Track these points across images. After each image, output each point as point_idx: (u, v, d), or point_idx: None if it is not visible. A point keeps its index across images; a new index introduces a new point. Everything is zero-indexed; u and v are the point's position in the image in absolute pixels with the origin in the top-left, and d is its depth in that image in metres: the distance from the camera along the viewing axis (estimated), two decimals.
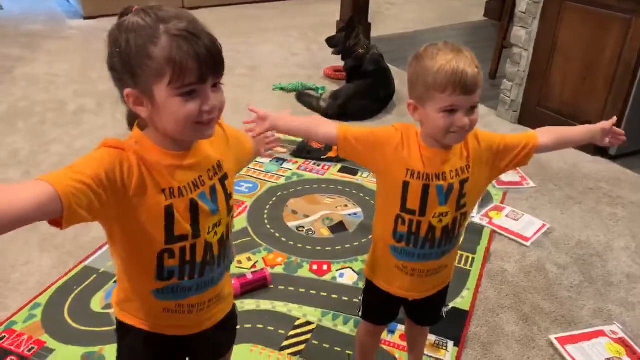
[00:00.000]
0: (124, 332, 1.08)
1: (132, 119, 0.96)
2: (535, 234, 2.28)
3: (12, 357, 1.63)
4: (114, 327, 1.73)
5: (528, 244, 2.23)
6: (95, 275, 1.96)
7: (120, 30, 0.86)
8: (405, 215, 1.18)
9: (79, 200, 0.80)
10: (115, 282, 1.93)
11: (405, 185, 1.15)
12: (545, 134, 1.25)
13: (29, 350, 1.66)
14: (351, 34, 3.50)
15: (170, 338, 1.06)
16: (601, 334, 1.80)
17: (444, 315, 1.46)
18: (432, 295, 1.33)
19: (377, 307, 1.40)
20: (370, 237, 1.34)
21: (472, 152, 1.18)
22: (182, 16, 0.86)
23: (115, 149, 0.88)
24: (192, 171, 0.95)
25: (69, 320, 1.77)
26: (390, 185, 1.18)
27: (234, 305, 1.17)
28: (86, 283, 1.92)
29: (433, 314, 1.44)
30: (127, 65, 0.85)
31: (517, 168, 2.76)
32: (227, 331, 1.18)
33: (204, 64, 0.84)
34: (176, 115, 0.86)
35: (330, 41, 3.71)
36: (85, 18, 4.85)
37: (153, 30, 0.83)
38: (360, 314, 1.44)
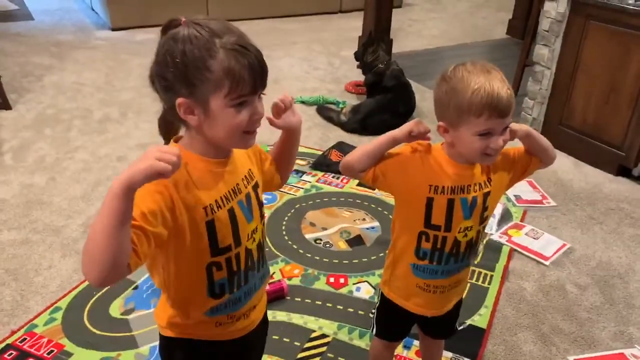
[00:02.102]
0: (172, 346, 1.07)
1: (166, 127, 0.98)
2: (555, 253, 2.25)
3: None
4: (132, 332, 1.78)
5: (547, 263, 2.20)
6: None
7: (176, 41, 0.87)
8: (430, 231, 1.18)
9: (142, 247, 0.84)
10: (134, 288, 1.95)
11: (429, 201, 1.15)
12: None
13: (49, 353, 1.68)
14: (368, 49, 3.53)
15: (216, 343, 1.07)
16: (622, 357, 1.77)
17: (457, 328, 1.45)
18: (448, 310, 1.33)
19: (392, 324, 1.39)
20: (388, 251, 1.34)
21: (493, 165, 1.18)
22: (232, 30, 0.89)
23: (153, 187, 0.85)
24: (230, 179, 0.98)
25: (88, 325, 1.80)
26: (413, 203, 1.17)
27: (266, 306, 1.20)
28: (106, 288, 1.95)
29: (448, 328, 1.43)
30: (182, 75, 0.87)
31: (538, 186, 2.74)
32: (261, 333, 1.20)
33: (257, 76, 0.89)
34: (229, 124, 0.90)
35: (355, 55, 3.75)
36: (113, 29, 4.96)
37: (210, 43, 0.86)
38: (373, 331, 1.43)
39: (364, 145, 1.22)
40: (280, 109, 1.07)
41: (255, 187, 1.04)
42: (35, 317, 1.82)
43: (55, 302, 1.88)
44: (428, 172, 1.15)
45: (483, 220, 1.20)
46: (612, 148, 2.90)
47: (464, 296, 1.39)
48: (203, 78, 0.87)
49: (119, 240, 0.77)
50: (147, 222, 0.83)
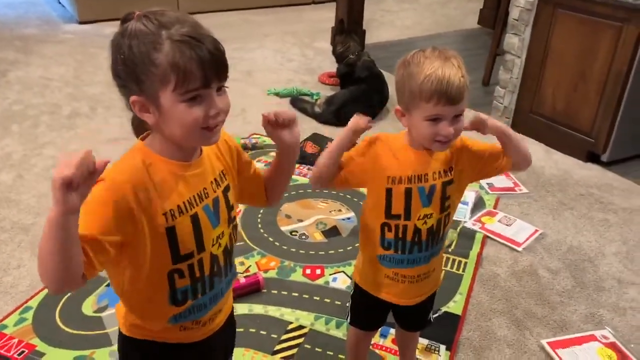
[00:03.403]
0: (133, 346, 1.03)
1: (139, 126, 0.95)
2: (528, 239, 2.29)
3: None
4: (105, 330, 1.75)
5: (520, 249, 2.23)
6: None
7: (124, 36, 0.85)
8: (391, 221, 1.19)
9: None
10: (107, 285, 1.92)
11: (389, 192, 1.17)
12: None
13: (19, 354, 1.64)
14: (337, 38, 3.54)
15: (179, 345, 1.03)
16: (592, 338, 1.81)
17: (431, 319, 1.47)
18: (421, 301, 1.34)
19: (366, 312, 1.40)
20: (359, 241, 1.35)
21: (457, 156, 1.19)
22: (185, 20, 0.85)
23: (112, 194, 0.84)
24: (196, 183, 0.94)
25: (60, 324, 1.76)
26: (374, 196, 1.20)
27: (232, 307, 1.17)
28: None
29: (421, 320, 1.45)
30: (131, 72, 0.85)
31: (510, 174, 2.78)
32: (227, 333, 1.15)
33: (208, 69, 0.84)
34: (182, 121, 0.85)
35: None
36: (80, 23, 4.85)
37: (155, 36, 0.83)
38: (348, 319, 1.44)
39: (320, 157, 1.23)
40: (269, 121, 1.00)
41: (225, 191, 1.00)
42: (5, 317, 1.78)
43: (26, 302, 1.84)
44: (385, 164, 1.17)
45: (445, 208, 1.20)
46: (582, 135, 2.96)
47: (437, 289, 1.40)
48: (149, 73, 0.83)
49: (67, 257, 0.76)
50: (101, 233, 0.82)
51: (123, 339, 1.04)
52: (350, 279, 2.02)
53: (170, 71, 0.82)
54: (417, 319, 1.44)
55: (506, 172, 2.76)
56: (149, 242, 0.89)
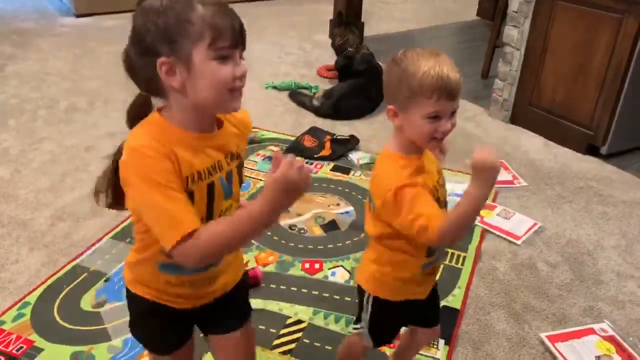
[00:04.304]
0: (132, 299, 1.12)
1: (135, 114, 0.98)
2: (527, 232, 2.29)
3: (1, 357, 1.62)
4: (104, 325, 1.75)
5: (519, 242, 2.23)
6: (85, 274, 1.95)
7: (154, 5, 0.89)
8: None
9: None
10: (105, 280, 1.92)
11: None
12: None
13: (18, 350, 1.64)
14: (335, 30, 3.52)
15: (173, 309, 1.09)
16: (591, 331, 1.81)
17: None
18: (433, 289, 1.34)
19: (393, 325, 1.35)
20: (362, 235, 1.33)
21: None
22: None
23: (154, 153, 0.90)
24: (213, 154, 0.98)
25: (59, 319, 1.76)
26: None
27: (243, 278, 1.20)
28: (76, 282, 1.91)
29: (438, 307, 1.44)
30: (163, 33, 0.89)
31: (509, 167, 2.77)
32: (232, 304, 1.17)
33: (237, 31, 0.91)
34: (214, 79, 0.90)
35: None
36: (77, 16, 4.81)
37: (187, 1, 0.89)
38: (372, 344, 1.33)
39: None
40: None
41: (239, 166, 1.05)
42: (3, 313, 1.77)
43: (24, 297, 1.84)
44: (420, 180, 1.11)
45: (445, 205, 1.20)
46: (581, 127, 2.94)
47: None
48: (183, 31, 0.88)
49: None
50: (176, 188, 0.91)
51: (127, 293, 1.12)
52: (350, 273, 2.01)
53: (206, 28, 0.88)
54: (436, 310, 1.42)
55: (505, 165, 2.76)
56: None
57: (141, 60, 0.92)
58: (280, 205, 0.87)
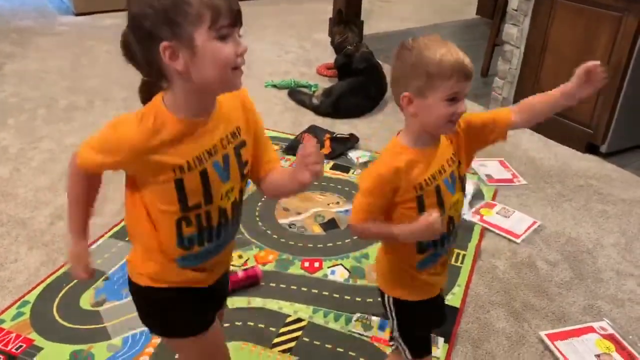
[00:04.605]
0: (145, 292, 1.11)
1: (147, 92, 1.00)
2: (526, 230, 2.29)
3: (0, 356, 1.62)
4: (104, 324, 1.75)
5: (519, 240, 2.23)
6: None
7: None
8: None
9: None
10: (105, 279, 1.92)
11: (420, 198, 1.13)
12: (517, 110, 1.24)
13: (17, 349, 1.64)
14: (335, 28, 3.52)
15: (193, 290, 1.11)
16: (591, 330, 1.81)
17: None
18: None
19: (421, 327, 1.32)
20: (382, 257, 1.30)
21: (456, 137, 1.19)
22: None
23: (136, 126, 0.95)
24: (205, 140, 0.99)
25: (58, 318, 1.76)
26: (406, 209, 1.14)
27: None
28: (75, 281, 1.91)
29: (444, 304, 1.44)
30: (163, 16, 0.89)
31: (509, 165, 2.77)
32: (224, 283, 1.23)
33: (234, 9, 0.92)
34: (217, 57, 0.91)
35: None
36: (77, 14, 4.81)
37: None
38: (408, 355, 1.29)
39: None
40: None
41: (238, 147, 1.05)
42: (2, 312, 1.77)
43: (23, 296, 1.83)
44: (412, 176, 1.12)
45: (463, 188, 1.22)
46: (581, 126, 2.94)
47: None
48: (183, 13, 0.88)
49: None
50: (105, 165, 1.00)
51: (132, 287, 1.13)
52: (349, 272, 2.01)
53: (205, 9, 0.88)
54: (443, 305, 1.42)
55: (504, 164, 2.76)
56: (159, 188, 0.98)
57: (141, 46, 0.93)
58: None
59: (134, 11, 0.92)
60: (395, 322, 1.27)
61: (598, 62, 1.19)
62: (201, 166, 0.98)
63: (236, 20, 0.92)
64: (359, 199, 1.15)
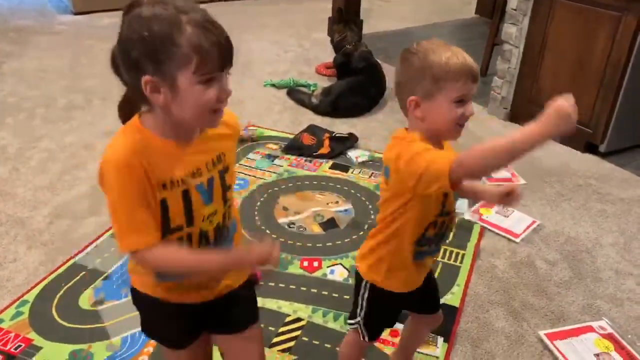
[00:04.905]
0: (140, 299, 1.13)
1: (127, 110, 0.99)
2: (525, 230, 2.29)
3: None
4: (103, 324, 1.75)
5: (518, 240, 2.23)
6: (84, 272, 1.94)
7: (141, 18, 0.88)
8: (440, 218, 1.18)
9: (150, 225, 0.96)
10: (104, 278, 1.92)
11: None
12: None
13: (16, 348, 1.64)
14: (334, 27, 3.52)
15: (182, 304, 1.10)
16: (590, 329, 1.81)
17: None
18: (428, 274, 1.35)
19: (389, 316, 1.36)
20: (362, 233, 1.33)
21: None
22: (196, 8, 0.90)
23: (125, 169, 0.91)
24: (190, 162, 0.98)
25: (57, 318, 1.76)
26: (430, 197, 1.13)
27: (248, 282, 1.19)
28: (75, 280, 1.91)
29: (437, 293, 1.45)
30: (149, 52, 0.88)
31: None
32: (239, 304, 1.18)
33: (224, 53, 0.90)
34: (197, 101, 0.91)
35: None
36: (75, 14, 4.80)
37: (176, 19, 0.87)
38: (365, 338, 1.35)
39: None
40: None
41: (223, 172, 1.04)
42: (1, 311, 1.77)
43: (22, 296, 1.83)
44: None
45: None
46: (580, 125, 2.94)
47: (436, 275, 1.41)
48: (170, 54, 0.87)
49: None
50: (142, 204, 0.94)
51: (132, 290, 1.14)
52: (349, 271, 2.01)
53: (192, 53, 0.87)
54: (434, 291, 1.42)
55: None
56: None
57: (126, 71, 0.93)
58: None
59: (124, 35, 0.90)
60: (363, 310, 1.30)
61: (519, 192, 1.24)
62: (183, 186, 0.97)
63: (224, 64, 0.91)
64: (424, 155, 1.01)
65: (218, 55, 0.89)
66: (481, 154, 0.94)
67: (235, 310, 1.17)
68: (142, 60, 0.88)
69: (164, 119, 0.94)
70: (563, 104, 0.89)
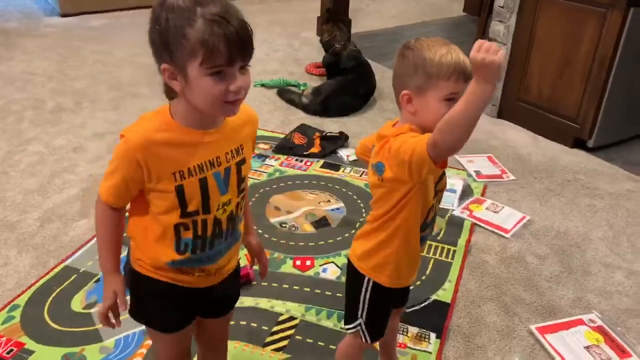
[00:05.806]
0: (141, 280, 1.14)
1: (169, 93, 1.03)
2: (515, 225, 2.31)
3: None
4: (96, 326, 1.74)
5: (508, 235, 2.25)
6: (75, 275, 1.94)
7: (162, 8, 0.92)
8: (434, 200, 1.22)
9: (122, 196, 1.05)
10: (96, 281, 1.91)
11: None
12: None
13: (8, 353, 1.63)
14: (323, 26, 3.53)
15: (180, 288, 1.13)
16: (580, 322, 1.83)
17: None
18: None
19: (389, 313, 1.35)
20: (353, 231, 1.34)
21: None
22: (217, 1, 0.92)
23: (126, 152, 0.98)
24: (210, 150, 1.02)
25: (49, 321, 1.75)
26: (427, 183, 1.16)
27: (237, 265, 1.25)
28: (66, 283, 1.90)
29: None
30: (165, 42, 0.92)
31: (497, 161, 2.79)
32: (231, 289, 1.27)
33: (234, 48, 0.91)
34: (205, 93, 0.94)
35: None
36: (62, 15, 4.77)
37: (190, 12, 0.90)
38: (368, 340, 1.32)
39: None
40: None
41: (240, 163, 1.08)
42: None
43: (13, 300, 1.82)
44: None
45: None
46: (568, 121, 2.97)
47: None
48: (179, 45, 0.91)
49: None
50: (124, 179, 1.01)
51: (133, 274, 1.15)
52: (341, 269, 2.02)
53: (199, 47, 0.90)
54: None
55: (493, 159, 2.78)
56: (160, 195, 1.01)
57: (154, 57, 0.98)
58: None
59: (150, 25, 0.95)
60: (365, 311, 1.28)
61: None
62: (201, 174, 1.01)
63: (234, 58, 0.91)
64: (407, 144, 1.05)
65: (226, 50, 0.90)
66: (446, 127, 0.96)
67: (225, 296, 1.25)
68: (160, 48, 0.94)
69: (186, 105, 0.98)
70: (485, 57, 0.91)
